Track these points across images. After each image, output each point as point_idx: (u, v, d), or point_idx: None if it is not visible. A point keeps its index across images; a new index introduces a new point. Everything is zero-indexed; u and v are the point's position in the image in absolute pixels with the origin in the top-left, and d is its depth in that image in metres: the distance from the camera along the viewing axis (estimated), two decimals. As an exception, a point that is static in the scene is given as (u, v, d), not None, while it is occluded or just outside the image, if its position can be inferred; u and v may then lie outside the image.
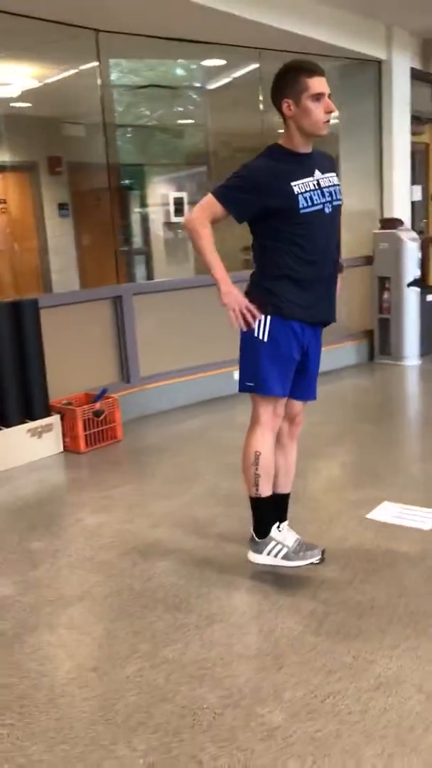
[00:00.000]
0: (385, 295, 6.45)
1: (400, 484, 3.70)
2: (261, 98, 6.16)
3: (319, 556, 2.75)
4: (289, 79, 2.52)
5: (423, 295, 6.44)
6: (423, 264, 6.57)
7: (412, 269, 6.28)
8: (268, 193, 2.53)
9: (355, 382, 6.10)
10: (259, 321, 2.62)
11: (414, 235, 6.43)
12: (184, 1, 4.47)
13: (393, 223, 6.36)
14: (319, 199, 2.57)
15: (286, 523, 2.92)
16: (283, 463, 2.88)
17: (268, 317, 2.63)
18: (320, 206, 2.58)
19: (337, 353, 6.41)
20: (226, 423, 5.08)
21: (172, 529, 3.32)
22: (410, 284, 6.29)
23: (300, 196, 2.54)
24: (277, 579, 2.78)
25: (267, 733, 1.98)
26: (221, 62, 6.45)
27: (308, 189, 2.56)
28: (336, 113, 2.62)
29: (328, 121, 2.54)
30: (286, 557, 2.74)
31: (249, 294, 2.67)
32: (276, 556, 2.75)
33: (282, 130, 2.63)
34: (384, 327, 6.53)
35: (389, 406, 5.46)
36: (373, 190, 6.77)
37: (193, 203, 8.34)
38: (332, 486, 3.71)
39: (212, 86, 7.93)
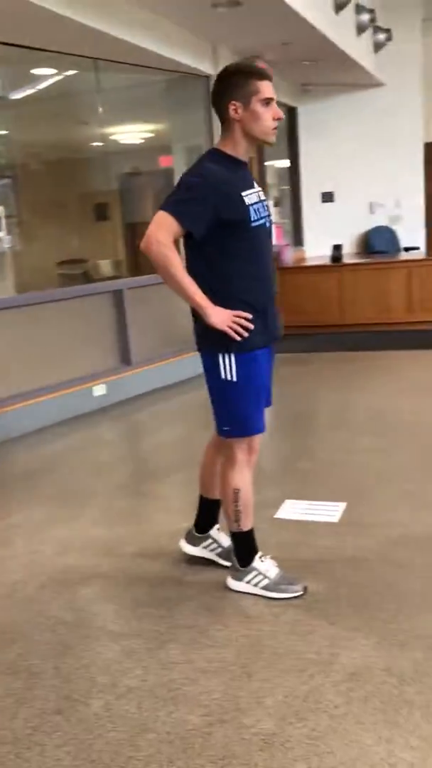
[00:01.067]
0: (229, 303, 6.61)
1: (294, 481, 3.82)
2: (100, 109, 6.08)
3: (301, 592, 2.65)
4: (237, 81, 2.40)
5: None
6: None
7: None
8: (224, 204, 2.38)
9: (203, 392, 6.19)
10: (222, 362, 2.49)
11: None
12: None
13: (232, 233, 6.55)
14: (263, 212, 2.51)
15: (216, 526, 2.94)
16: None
17: (231, 356, 2.48)
18: (264, 220, 2.51)
19: (187, 363, 6.48)
20: (97, 440, 4.94)
21: (83, 553, 3.16)
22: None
23: (251, 208, 2.44)
24: (214, 590, 2.75)
25: (264, 742, 1.95)
26: (52, 71, 6.28)
27: (254, 201, 2.47)
28: (282, 119, 2.50)
29: (275, 128, 2.48)
30: (266, 588, 2.65)
31: (201, 330, 2.50)
32: (256, 585, 2.67)
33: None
34: (230, 334, 6.69)
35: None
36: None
37: (9, 217, 8.01)
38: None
39: (17, 96, 7.69)
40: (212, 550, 2.94)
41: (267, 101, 2.43)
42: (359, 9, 7.76)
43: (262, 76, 2.43)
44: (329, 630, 2.44)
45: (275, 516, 3.38)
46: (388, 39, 8.81)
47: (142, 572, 2.95)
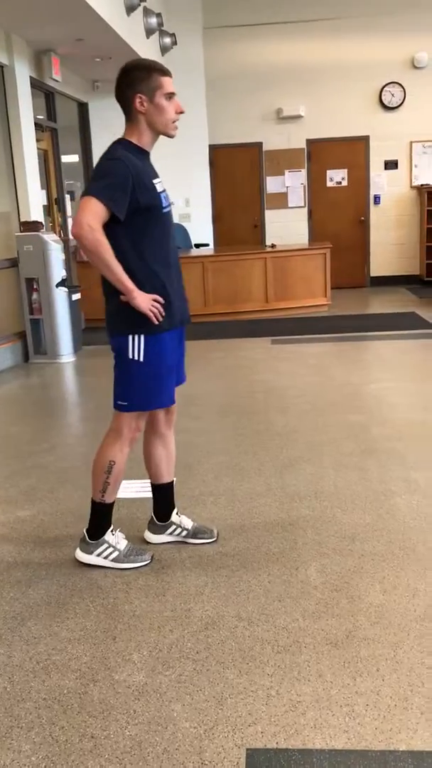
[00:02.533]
0: (34, 296, 6.58)
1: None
2: None
3: (148, 561, 2.84)
4: (142, 75, 2.52)
5: (70, 294, 6.75)
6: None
7: (58, 270, 6.53)
8: (140, 188, 2.48)
9: (22, 383, 6.14)
10: (132, 342, 2.60)
11: (56, 237, 6.67)
12: None
13: (35, 226, 6.52)
14: (168, 200, 2.65)
15: (175, 511, 3.01)
16: (164, 453, 2.93)
17: (141, 337, 2.60)
18: (169, 208, 2.65)
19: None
20: None
21: None
22: (58, 284, 6.54)
23: (161, 195, 2.56)
24: (64, 568, 2.84)
25: (138, 691, 2.11)
26: None
27: (162, 189, 2.60)
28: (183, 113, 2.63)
29: (176, 121, 2.60)
30: (116, 560, 2.79)
31: (114, 312, 2.60)
32: (106, 558, 2.79)
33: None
34: (36, 327, 6.66)
35: (65, 401, 5.67)
36: (6, 193, 6.81)
37: None
38: (63, 479, 3.81)
39: None
40: (178, 535, 3.00)
41: (170, 95, 2.58)
42: (147, 12, 8.04)
43: (164, 72, 2.58)
44: (180, 589, 2.65)
45: (110, 496, 3.52)
46: (174, 43, 9.19)
47: (-16, 561, 2.96)
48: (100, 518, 2.81)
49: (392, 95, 10.57)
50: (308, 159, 10.89)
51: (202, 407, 5.05)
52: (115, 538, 2.84)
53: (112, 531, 2.84)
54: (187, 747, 1.89)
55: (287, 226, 10.96)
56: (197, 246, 10.13)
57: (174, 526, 3.00)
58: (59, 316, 6.60)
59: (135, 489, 3.59)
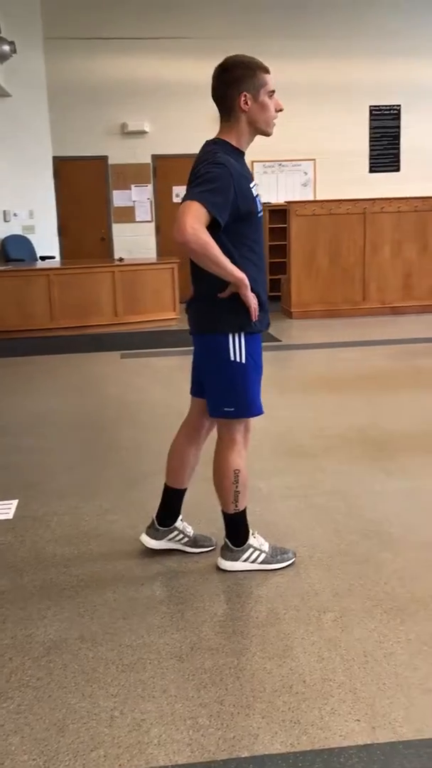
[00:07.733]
0: None
1: (-38, 487, 3.78)
2: None
3: (294, 558, 2.82)
4: (247, 74, 2.45)
5: None
6: None
7: None
8: (240, 194, 2.40)
9: None
10: (233, 343, 2.53)
11: None
12: None
13: None
14: (261, 203, 2.56)
15: (180, 517, 2.93)
16: (194, 461, 2.85)
17: (241, 336, 2.53)
18: (261, 212, 2.56)
19: None
20: None
21: None
22: None
23: (257, 199, 2.48)
24: None
25: (-27, 728, 2.00)
26: None
27: (257, 193, 2.50)
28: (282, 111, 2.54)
29: (275, 118, 2.53)
30: (265, 561, 2.77)
31: (205, 313, 2.55)
32: (254, 561, 2.77)
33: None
34: None
35: None
36: None
37: None
38: None
39: None
40: (178, 541, 2.92)
41: (272, 93, 2.51)
42: (-16, 17, 7.79)
43: (267, 69, 2.52)
44: (20, 614, 2.55)
45: None
46: (14, 51, 8.97)
47: None
48: (240, 526, 2.76)
49: (234, 115, 10.89)
50: (154, 174, 10.98)
51: (49, 425, 4.91)
52: (258, 541, 2.79)
53: (253, 534, 2.78)
54: (26, 781, 1.81)
55: (136, 240, 10.98)
56: (42, 258, 9.90)
57: (176, 532, 2.93)
58: None
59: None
